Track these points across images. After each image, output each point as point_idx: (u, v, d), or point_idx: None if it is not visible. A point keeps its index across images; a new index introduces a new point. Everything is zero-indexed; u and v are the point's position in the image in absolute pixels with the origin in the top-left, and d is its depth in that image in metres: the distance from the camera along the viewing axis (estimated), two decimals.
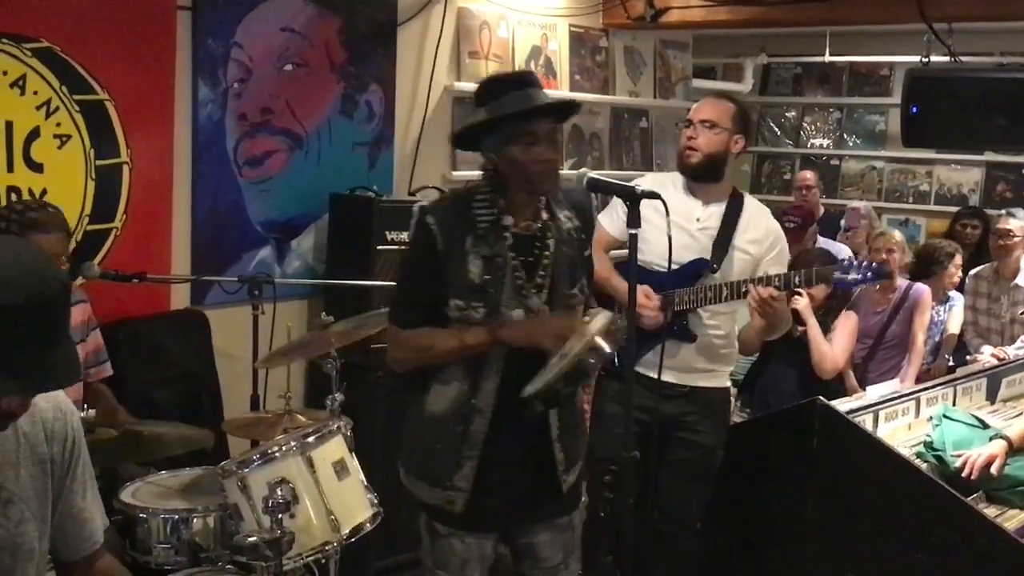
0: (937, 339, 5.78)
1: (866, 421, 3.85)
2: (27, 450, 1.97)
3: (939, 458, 3.69)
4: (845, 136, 8.71)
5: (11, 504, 1.93)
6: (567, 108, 2.76)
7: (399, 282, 2.86)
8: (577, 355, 2.41)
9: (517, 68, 5.43)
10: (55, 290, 1.77)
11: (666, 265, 3.02)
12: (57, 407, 2.04)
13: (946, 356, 5.77)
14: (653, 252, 3.32)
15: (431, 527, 2.81)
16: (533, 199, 2.69)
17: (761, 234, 3.55)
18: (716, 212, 3.52)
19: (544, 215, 2.72)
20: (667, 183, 3.53)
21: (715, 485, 3.63)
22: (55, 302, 1.78)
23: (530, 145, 2.60)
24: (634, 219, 2.42)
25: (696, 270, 3.40)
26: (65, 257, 3.33)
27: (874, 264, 3.45)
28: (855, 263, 3.46)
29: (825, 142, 8.82)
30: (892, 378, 5.24)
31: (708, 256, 3.45)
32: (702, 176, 3.51)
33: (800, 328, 4.65)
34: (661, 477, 3.43)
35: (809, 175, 7.23)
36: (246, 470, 2.85)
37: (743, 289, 3.39)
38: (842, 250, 6.27)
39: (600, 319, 2.53)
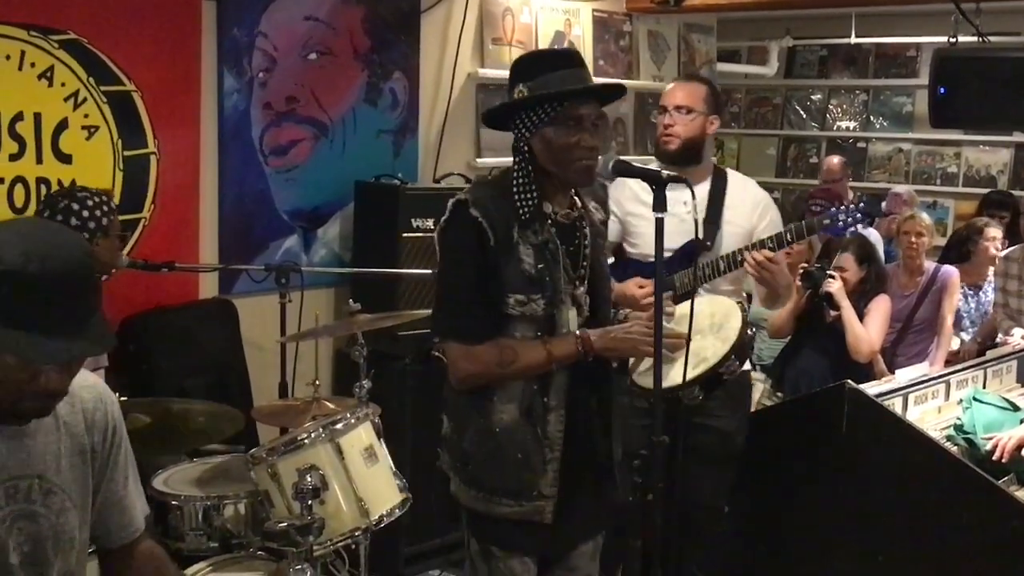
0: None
1: (895, 404, 3.84)
2: (68, 440, 1.98)
3: (969, 441, 3.67)
4: (872, 118, 8.63)
5: (52, 494, 1.95)
6: (615, 92, 2.64)
7: (447, 287, 2.61)
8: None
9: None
10: (79, 263, 1.79)
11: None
12: (98, 396, 2.05)
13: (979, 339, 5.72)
14: (646, 244, 3.29)
15: (486, 551, 2.67)
16: (567, 188, 2.59)
17: (749, 206, 3.53)
18: (701, 192, 3.47)
19: (579, 203, 2.66)
20: None
21: (739, 469, 3.61)
22: (79, 274, 1.79)
23: (573, 129, 2.48)
24: (660, 203, 2.39)
25: (690, 251, 3.31)
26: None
27: (861, 204, 3.33)
28: (843, 208, 3.35)
29: (852, 124, 8.74)
30: (921, 362, 5.21)
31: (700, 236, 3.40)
32: (682, 161, 3.45)
33: (833, 313, 4.63)
34: (683, 463, 3.40)
35: (836, 164, 7.18)
36: (275, 457, 2.87)
37: (739, 258, 3.35)
38: (869, 234, 6.23)
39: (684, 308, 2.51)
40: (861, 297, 4.78)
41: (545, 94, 2.48)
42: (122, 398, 3.05)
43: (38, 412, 1.89)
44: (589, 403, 2.64)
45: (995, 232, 5.85)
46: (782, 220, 3.64)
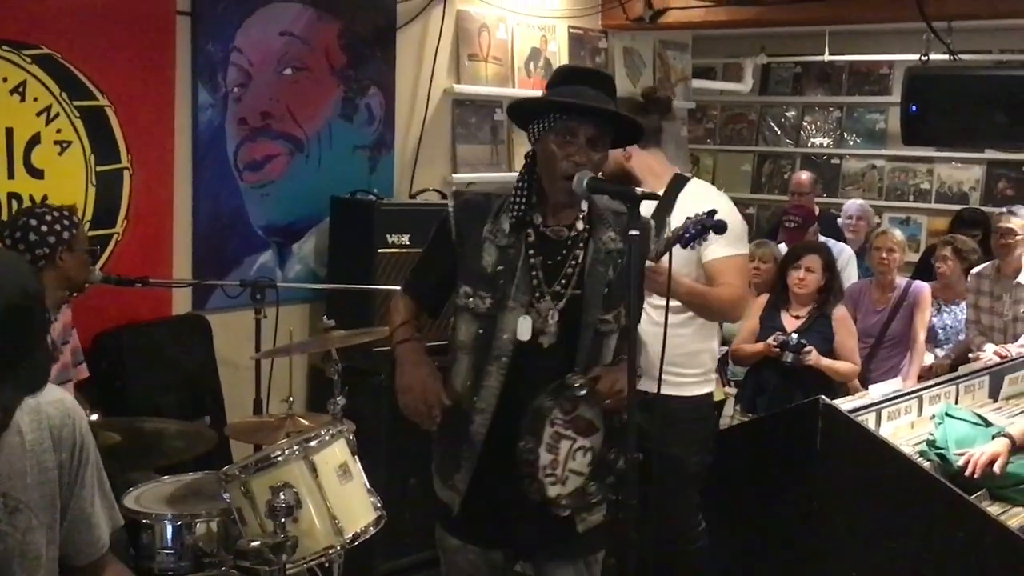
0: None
1: (869, 420, 3.85)
2: (34, 457, 1.95)
3: (942, 456, 3.69)
4: (845, 135, 8.70)
5: (18, 512, 1.92)
6: (613, 119, 2.60)
7: (417, 261, 2.93)
8: None
9: (516, 70, 5.44)
10: (9, 300, 1.75)
11: None
12: (65, 412, 2.02)
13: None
14: None
15: (442, 542, 2.80)
16: (571, 204, 2.61)
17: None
18: (648, 206, 3.44)
19: (581, 226, 2.64)
20: None
21: (715, 484, 3.61)
22: (13, 311, 1.75)
23: (566, 141, 2.54)
24: (634, 220, 2.39)
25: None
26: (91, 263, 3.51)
27: (704, 214, 3.29)
28: (689, 220, 3.21)
29: (825, 141, 8.81)
30: (893, 377, 5.24)
31: None
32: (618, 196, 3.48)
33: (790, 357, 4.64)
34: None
35: (804, 179, 7.22)
36: (248, 475, 2.84)
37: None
38: (843, 249, 6.27)
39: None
40: (822, 306, 4.81)
41: (543, 100, 2.60)
42: (93, 416, 3.06)
43: None
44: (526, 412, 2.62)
45: (949, 252, 5.87)
46: (746, 234, 3.58)
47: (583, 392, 2.55)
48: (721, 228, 2.97)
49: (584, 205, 2.63)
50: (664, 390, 3.30)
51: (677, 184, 3.52)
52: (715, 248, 3.33)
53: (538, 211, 2.64)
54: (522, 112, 2.67)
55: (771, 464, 3.86)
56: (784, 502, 3.81)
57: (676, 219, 3.35)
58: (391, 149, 4.92)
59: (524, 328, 2.60)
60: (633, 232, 2.30)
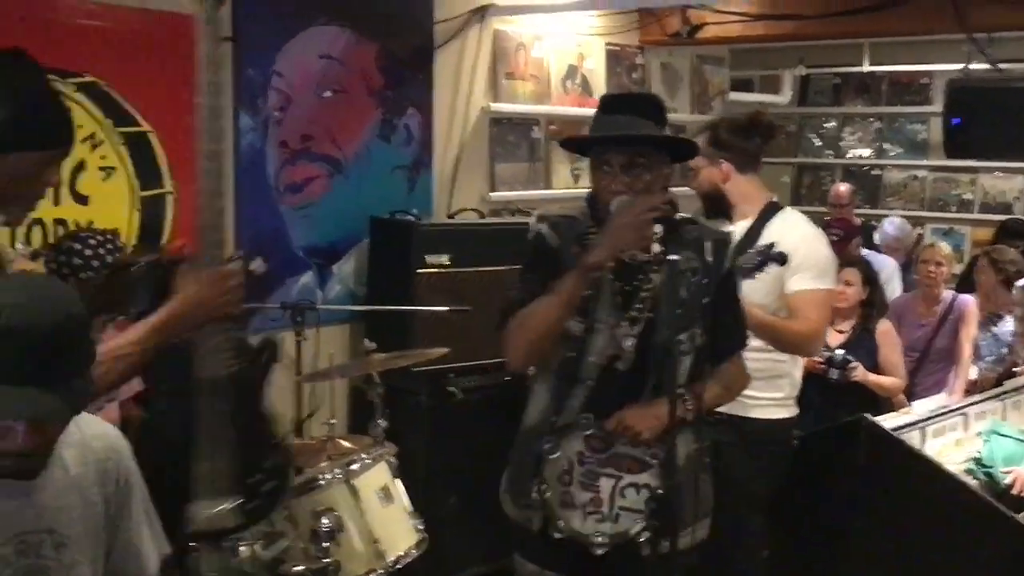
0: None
1: (913, 438, 3.82)
2: (79, 492, 1.97)
3: (989, 475, 3.65)
4: (886, 146, 8.62)
5: (64, 547, 1.94)
6: (650, 141, 2.62)
7: (516, 288, 2.73)
8: None
9: (553, 87, 5.46)
10: (59, 328, 1.76)
11: None
12: (109, 446, 2.04)
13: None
14: None
15: (521, 568, 2.76)
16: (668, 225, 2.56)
17: (782, 245, 3.31)
18: (739, 232, 3.45)
19: (657, 248, 2.55)
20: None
21: (764, 514, 3.56)
22: (67, 333, 1.77)
23: (604, 173, 2.58)
24: (671, 243, 2.40)
25: None
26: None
27: (763, 247, 3.24)
28: (752, 252, 3.25)
29: (866, 152, 8.73)
30: (939, 391, 5.19)
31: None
32: (714, 215, 3.49)
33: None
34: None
35: (843, 191, 7.16)
36: (291, 499, 2.87)
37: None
38: (886, 262, 6.22)
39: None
40: (866, 320, 4.77)
41: (574, 140, 2.68)
42: None
43: (12, 473, 1.84)
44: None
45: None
46: (833, 268, 3.54)
47: (588, 432, 2.57)
48: (781, 260, 2.99)
49: (658, 227, 2.56)
50: (738, 411, 3.34)
51: (768, 212, 3.48)
52: (798, 280, 3.32)
53: None
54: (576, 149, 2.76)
55: (814, 483, 3.82)
56: (828, 520, 3.78)
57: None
58: (429, 169, 4.94)
59: (601, 353, 2.61)
60: (672, 257, 2.30)
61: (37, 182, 2.22)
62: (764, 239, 3.40)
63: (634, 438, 2.55)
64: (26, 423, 1.77)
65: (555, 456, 2.62)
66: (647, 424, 2.54)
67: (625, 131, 2.57)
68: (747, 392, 3.34)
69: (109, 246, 3.37)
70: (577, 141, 2.79)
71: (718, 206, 3.53)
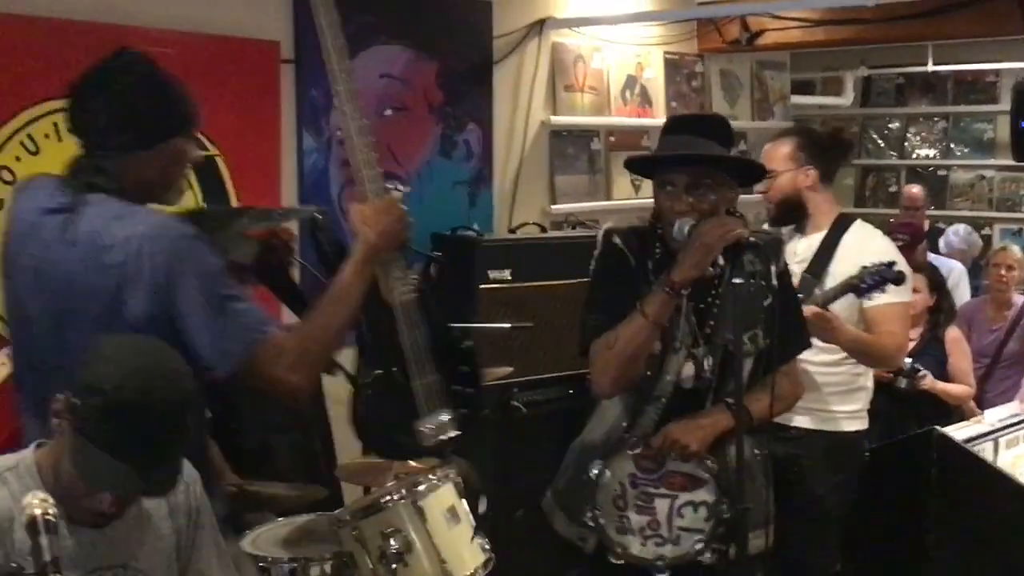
0: None
1: (986, 450, 3.77)
2: (152, 526, 2.03)
3: None
4: (952, 145, 8.49)
5: None
6: (714, 161, 2.62)
7: (587, 306, 2.74)
8: None
9: (612, 98, 5.45)
10: (174, 404, 1.85)
11: None
12: (180, 479, 2.10)
13: None
14: None
15: None
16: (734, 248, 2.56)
17: (858, 258, 3.35)
18: (814, 242, 3.46)
19: (723, 260, 2.58)
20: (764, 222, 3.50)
21: (840, 528, 3.52)
22: (167, 416, 1.85)
23: (666, 194, 2.58)
24: (736, 268, 2.40)
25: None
26: None
27: (884, 266, 3.23)
28: (867, 270, 3.24)
29: (931, 152, 8.61)
30: (1011, 397, 5.09)
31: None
32: (785, 221, 3.49)
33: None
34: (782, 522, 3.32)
35: (917, 193, 7.05)
36: (359, 520, 2.90)
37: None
38: (954, 266, 6.12)
39: None
40: (934, 327, 4.70)
41: (638, 160, 2.69)
42: None
43: (90, 523, 1.93)
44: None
45: None
46: (910, 281, 3.47)
47: (636, 451, 2.56)
48: (900, 280, 2.98)
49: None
50: (814, 425, 3.35)
51: (841, 226, 3.47)
52: (878, 295, 3.29)
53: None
54: (640, 169, 2.78)
55: (884, 497, 3.78)
56: (899, 537, 3.73)
57: (839, 261, 3.37)
58: (490, 183, 4.97)
59: (688, 374, 2.61)
60: (737, 280, 2.29)
61: (185, 163, 2.40)
62: (840, 252, 3.41)
63: (682, 452, 2.54)
64: (112, 496, 1.84)
65: (606, 480, 2.61)
66: (694, 436, 2.54)
67: (688, 151, 2.57)
68: (827, 406, 3.36)
69: None
70: (640, 160, 2.78)
71: (791, 214, 3.51)
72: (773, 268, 2.65)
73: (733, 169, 2.66)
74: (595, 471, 2.61)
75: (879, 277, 3.06)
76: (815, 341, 3.15)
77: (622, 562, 2.61)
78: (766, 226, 3.61)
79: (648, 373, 2.62)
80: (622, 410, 2.67)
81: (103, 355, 1.87)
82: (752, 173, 2.78)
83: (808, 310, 3.15)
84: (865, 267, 3.08)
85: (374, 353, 2.70)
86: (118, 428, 1.80)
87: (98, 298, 2.12)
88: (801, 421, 3.25)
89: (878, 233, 3.57)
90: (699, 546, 2.53)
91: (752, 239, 2.42)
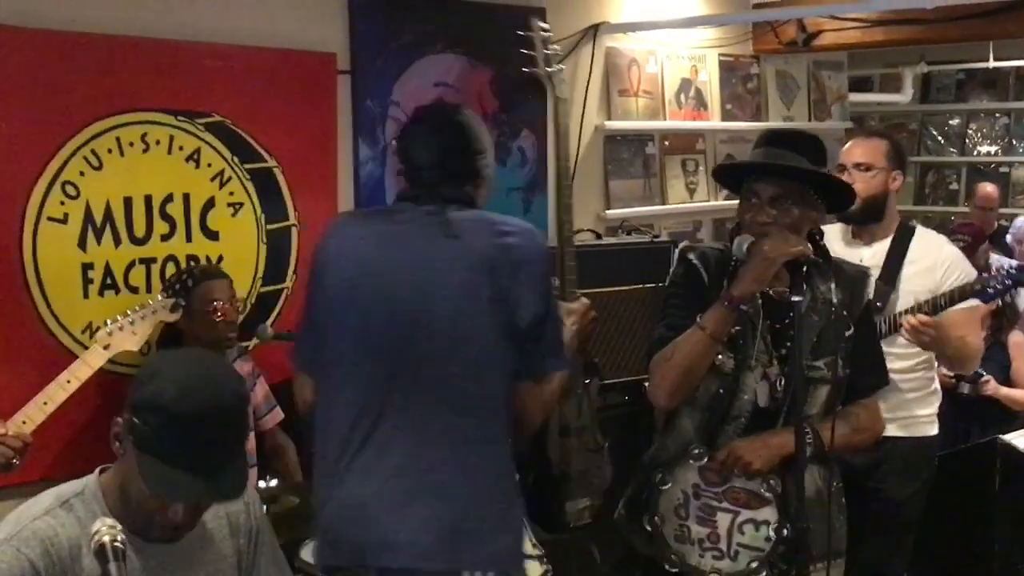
0: None
1: None
2: (213, 546, 2.07)
3: None
4: (1015, 142, 8.33)
5: None
6: (804, 178, 2.58)
7: (661, 319, 2.73)
8: None
9: (667, 102, 5.42)
10: (228, 407, 1.90)
11: None
12: (240, 499, 2.12)
13: None
14: None
15: None
16: (794, 265, 2.53)
17: (931, 263, 3.42)
18: (881, 250, 3.45)
19: (803, 284, 2.55)
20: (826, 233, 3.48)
21: (914, 535, 3.49)
22: (225, 419, 1.90)
23: (750, 203, 2.57)
24: (797, 285, 2.39)
25: None
26: (238, 301, 3.66)
27: (1013, 269, 3.28)
28: (994, 273, 3.32)
29: (993, 149, 8.46)
30: None
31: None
32: (864, 220, 3.47)
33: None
34: (858, 529, 3.20)
35: (991, 191, 6.93)
36: None
37: (898, 322, 3.31)
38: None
39: None
40: (997, 331, 4.63)
41: (726, 166, 2.73)
42: (272, 482, 3.19)
43: (167, 538, 1.98)
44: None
45: None
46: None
47: (701, 462, 2.55)
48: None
49: None
50: (898, 432, 3.35)
51: (906, 232, 3.49)
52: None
53: None
54: (727, 180, 2.78)
55: (948, 506, 3.72)
56: (963, 546, 3.68)
57: (910, 266, 3.41)
58: (544, 189, 4.96)
59: (763, 394, 2.58)
60: (796, 299, 2.28)
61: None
62: (909, 259, 3.43)
63: (745, 469, 2.52)
64: (184, 506, 1.88)
65: (667, 487, 2.61)
66: (758, 455, 2.51)
67: (776, 161, 2.56)
68: (910, 411, 3.37)
69: (177, 286, 3.50)
70: (728, 169, 2.76)
71: (873, 214, 3.49)
72: (853, 303, 2.65)
73: (821, 189, 2.61)
74: (659, 476, 2.61)
75: (1011, 280, 3.12)
76: (889, 348, 3.15)
77: (677, 570, 2.60)
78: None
79: (721, 391, 2.59)
80: (697, 429, 2.64)
81: (155, 372, 1.91)
82: (842, 196, 2.70)
83: (917, 319, 3.22)
84: (987, 272, 3.11)
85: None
86: (182, 439, 1.84)
87: (495, 271, 2.40)
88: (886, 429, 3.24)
89: (943, 238, 3.61)
90: (755, 564, 2.51)
91: (813, 256, 2.39)
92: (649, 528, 2.64)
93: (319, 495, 2.47)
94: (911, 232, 3.49)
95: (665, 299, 2.75)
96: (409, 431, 2.35)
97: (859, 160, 3.48)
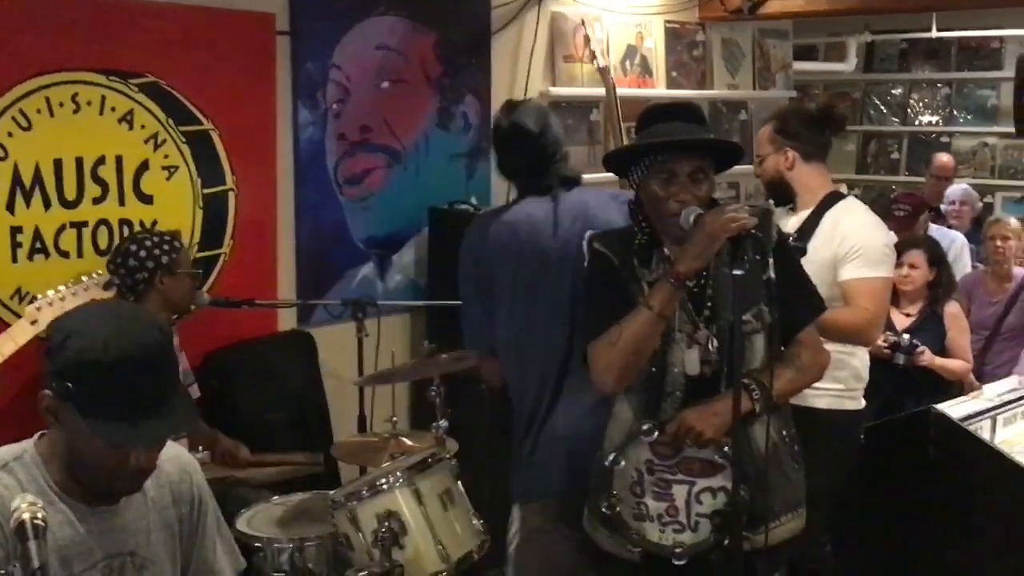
0: None
1: (983, 428, 3.75)
2: (156, 514, 2.05)
3: None
4: (955, 112, 8.42)
5: (145, 569, 2.02)
6: (715, 147, 2.60)
7: (587, 314, 2.72)
8: None
9: (612, 68, 5.38)
10: (156, 343, 1.87)
11: None
12: (182, 468, 2.11)
13: None
14: None
15: None
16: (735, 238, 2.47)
17: (831, 235, 3.37)
18: (799, 221, 3.46)
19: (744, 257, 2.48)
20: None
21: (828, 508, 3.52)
22: (157, 355, 1.87)
23: (666, 182, 2.52)
24: (734, 258, 2.36)
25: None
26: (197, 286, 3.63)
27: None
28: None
29: (934, 119, 8.54)
30: (1010, 370, 5.08)
31: None
32: (779, 202, 3.55)
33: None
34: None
35: (948, 161, 6.99)
36: (355, 503, 2.90)
37: None
38: (955, 238, 6.08)
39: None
40: (932, 303, 4.68)
41: (636, 146, 2.60)
42: (203, 453, 3.16)
43: (131, 490, 1.96)
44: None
45: None
46: (890, 258, 3.48)
47: (652, 438, 2.53)
48: (800, 253, 2.97)
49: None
50: (801, 402, 3.28)
51: (827, 202, 3.46)
52: (851, 269, 3.30)
53: (660, 243, 2.61)
54: (619, 160, 2.67)
55: (881, 476, 3.77)
56: (895, 516, 3.73)
57: (817, 237, 3.37)
58: (488, 156, 4.91)
59: (692, 361, 2.55)
60: (737, 272, 2.27)
61: None
62: (821, 228, 3.40)
63: (697, 439, 2.51)
64: (145, 450, 1.87)
65: (620, 467, 2.59)
66: (709, 423, 2.50)
67: (697, 136, 2.54)
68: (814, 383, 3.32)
69: (166, 247, 3.42)
70: (636, 149, 2.68)
71: (782, 194, 3.56)
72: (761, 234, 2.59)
73: (716, 154, 2.61)
74: (611, 457, 2.59)
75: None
76: None
77: (639, 548, 2.58)
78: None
79: (653, 369, 2.57)
80: (635, 412, 2.61)
81: (68, 334, 1.85)
82: (733, 156, 2.68)
83: None
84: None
85: None
86: (126, 386, 1.81)
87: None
88: (796, 399, 3.22)
89: (860, 210, 3.51)
90: (716, 533, 2.52)
91: (756, 233, 2.37)
92: (607, 511, 2.61)
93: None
94: (833, 202, 3.47)
95: (584, 292, 2.74)
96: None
97: (756, 153, 3.59)
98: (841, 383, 3.46)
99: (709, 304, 2.57)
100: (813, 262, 3.33)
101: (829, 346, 3.34)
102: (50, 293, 3.04)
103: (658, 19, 5.63)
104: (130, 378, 1.81)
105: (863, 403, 3.55)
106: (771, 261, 2.55)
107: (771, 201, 3.60)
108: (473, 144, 4.87)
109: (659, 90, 5.57)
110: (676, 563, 2.54)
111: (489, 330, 3.08)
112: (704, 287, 2.57)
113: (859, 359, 3.54)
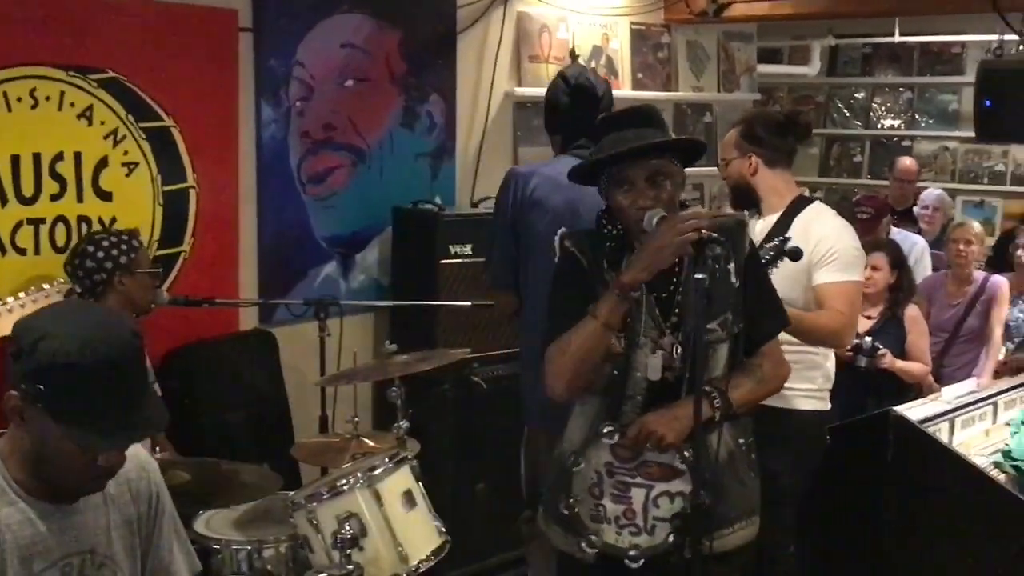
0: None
1: (942, 430, 3.78)
2: (115, 512, 2.05)
3: (1018, 468, 3.61)
4: (917, 116, 8.50)
5: (104, 567, 2.02)
6: (668, 147, 2.58)
7: (549, 314, 2.71)
8: None
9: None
10: (130, 345, 1.88)
11: None
12: (140, 466, 2.11)
13: None
14: None
15: None
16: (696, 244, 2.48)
17: (805, 239, 3.32)
18: (767, 225, 3.46)
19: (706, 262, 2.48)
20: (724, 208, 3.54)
21: (796, 512, 3.53)
22: (132, 357, 1.88)
23: (626, 191, 2.52)
24: (699, 263, 2.37)
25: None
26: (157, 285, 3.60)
27: (775, 244, 3.23)
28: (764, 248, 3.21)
29: (896, 123, 8.61)
30: (968, 372, 5.13)
31: None
32: (744, 206, 3.54)
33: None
34: None
35: (910, 165, 7.03)
36: (315, 504, 2.88)
37: None
38: (916, 241, 6.13)
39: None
40: (893, 305, 4.72)
41: (592, 162, 2.60)
42: (163, 454, 3.12)
43: (95, 489, 1.97)
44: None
45: None
46: (861, 262, 3.52)
47: (612, 441, 2.54)
48: (795, 255, 2.96)
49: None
50: (777, 403, 3.29)
51: (796, 207, 3.47)
52: (825, 273, 3.31)
53: (630, 250, 2.60)
54: (580, 178, 2.68)
55: (841, 478, 3.79)
56: (855, 518, 3.76)
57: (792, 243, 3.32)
58: (452, 156, 4.91)
59: (654, 367, 2.55)
60: (698, 276, 2.27)
61: None
62: (792, 232, 3.38)
63: (658, 443, 2.52)
64: (116, 449, 1.88)
65: (580, 468, 2.59)
66: (670, 428, 2.50)
67: (641, 142, 2.53)
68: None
69: (124, 247, 3.38)
70: (592, 165, 2.67)
71: (746, 198, 3.56)
72: (734, 256, 2.60)
73: (678, 152, 2.61)
74: (571, 458, 2.59)
75: (773, 252, 3.09)
76: None
77: (595, 550, 2.58)
78: (729, 208, 3.63)
79: (616, 372, 2.57)
80: (596, 413, 2.62)
81: (40, 335, 1.84)
82: (695, 151, 2.69)
83: None
84: (765, 245, 3.09)
85: None
86: (101, 388, 1.81)
87: None
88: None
89: (830, 215, 3.53)
90: (672, 536, 2.52)
91: (714, 234, 2.37)
92: (566, 512, 2.61)
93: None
94: (801, 207, 3.48)
95: (551, 290, 2.72)
96: None
97: (720, 156, 3.60)
98: (814, 383, 3.49)
99: (676, 311, 2.57)
100: (786, 266, 3.35)
101: (804, 348, 3.39)
102: (10, 300, 2.98)
103: (624, 20, 5.64)
104: (105, 381, 1.82)
105: (829, 404, 3.58)
106: (734, 268, 2.57)
107: (746, 212, 3.56)
108: (438, 143, 4.85)
109: (624, 91, 5.57)
110: (631, 566, 2.55)
111: (511, 266, 3.44)
112: (673, 293, 2.58)
113: (831, 361, 3.58)
